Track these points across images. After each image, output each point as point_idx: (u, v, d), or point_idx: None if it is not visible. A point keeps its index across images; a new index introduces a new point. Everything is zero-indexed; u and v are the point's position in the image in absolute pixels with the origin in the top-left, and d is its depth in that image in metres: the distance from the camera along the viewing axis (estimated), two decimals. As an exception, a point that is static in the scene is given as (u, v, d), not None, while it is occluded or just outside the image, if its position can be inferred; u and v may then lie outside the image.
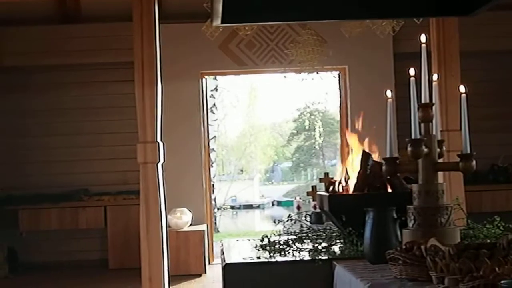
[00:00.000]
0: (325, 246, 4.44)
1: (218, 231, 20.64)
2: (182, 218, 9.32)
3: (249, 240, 5.15)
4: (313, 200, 7.42)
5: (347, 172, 4.79)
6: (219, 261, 5.10)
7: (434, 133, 3.73)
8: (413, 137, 3.60)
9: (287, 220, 5.00)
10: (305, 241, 4.65)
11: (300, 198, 23.21)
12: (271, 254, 4.39)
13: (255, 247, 4.66)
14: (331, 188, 4.82)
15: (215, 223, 20.42)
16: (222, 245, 5.17)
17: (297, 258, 4.26)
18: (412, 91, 3.68)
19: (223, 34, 9.02)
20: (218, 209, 24.78)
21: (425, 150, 3.61)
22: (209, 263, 9.66)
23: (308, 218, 5.60)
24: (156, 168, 6.84)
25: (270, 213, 32.71)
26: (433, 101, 3.76)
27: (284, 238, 4.73)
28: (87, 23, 9.86)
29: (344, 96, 10.03)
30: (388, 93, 3.85)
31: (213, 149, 18.15)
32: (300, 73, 9.61)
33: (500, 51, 9.74)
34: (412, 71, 3.72)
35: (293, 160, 41.25)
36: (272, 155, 41.51)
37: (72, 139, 10.14)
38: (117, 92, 10.00)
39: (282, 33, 9.84)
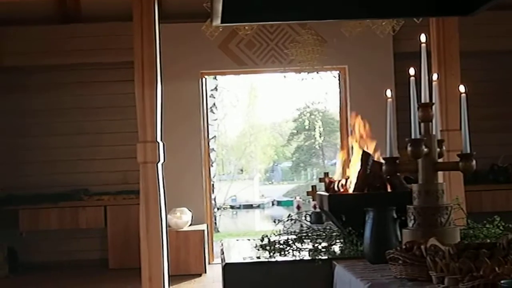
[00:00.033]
0: (325, 246, 4.44)
1: (218, 231, 20.64)
2: (182, 218, 9.32)
3: (249, 240, 5.15)
4: (313, 200, 7.41)
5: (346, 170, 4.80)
6: (219, 261, 5.10)
7: (434, 133, 3.73)
8: (413, 137, 3.60)
9: (287, 220, 5.00)
10: (305, 241, 4.65)
11: (300, 198, 23.24)
12: (271, 254, 4.39)
13: (255, 247, 4.66)
14: (331, 187, 4.82)
15: (215, 223, 20.43)
16: (222, 245, 5.17)
17: (297, 258, 4.26)
18: (412, 91, 3.68)
19: (223, 33, 9.02)
20: (218, 209, 24.79)
21: (425, 150, 3.61)
22: (209, 263, 9.66)
23: (308, 218, 5.60)
24: (156, 168, 6.84)
25: (270, 213, 32.73)
26: (433, 101, 3.76)
27: (284, 238, 4.73)
28: (87, 23, 9.86)
29: (344, 96, 10.03)
30: (388, 92, 3.85)
31: (213, 148, 18.17)
32: (300, 73, 9.59)
33: (500, 51, 9.74)
34: (412, 71, 3.72)
35: (293, 160, 41.27)
36: (272, 155, 41.51)
37: (72, 139, 10.14)
38: (117, 92, 10.00)
39: (282, 32, 9.84)
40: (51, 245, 10.01)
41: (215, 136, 21.50)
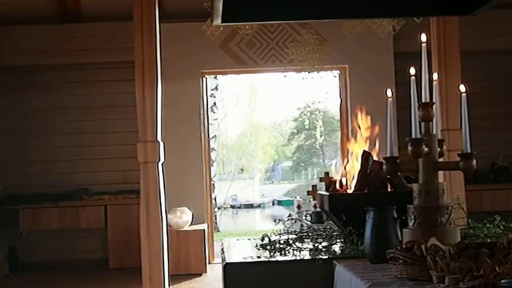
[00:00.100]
0: (325, 246, 4.44)
1: (218, 231, 20.63)
2: (183, 218, 9.32)
3: (249, 239, 5.15)
4: (314, 200, 7.41)
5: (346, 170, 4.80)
6: (220, 260, 5.10)
7: (434, 132, 3.73)
8: (413, 136, 3.60)
9: (288, 220, 5.00)
10: (305, 240, 4.64)
11: (300, 198, 23.24)
12: (272, 253, 4.39)
13: (256, 246, 4.66)
14: (331, 187, 4.82)
15: (216, 223, 20.41)
16: (222, 244, 5.17)
17: (298, 258, 4.26)
18: (412, 90, 3.68)
19: (223, 33, 9.02)
20: (218, 208, 24.79)
21: (426, 149, 3.61)
22: (209, 263, 9.66)
23: (309, 218, 5.59)
24: (156, 168, 6.84)
25: (270, 212, 32.73)
26: (434, 101, 3.76)
27: (284, 237, 4.73)
28: (87, 23, 9.86)
29: (345, 95, 10.03)
30: (389, 92, 3.85)
31: (213, 148, 18.13)
32: (300, 72, 9.60)
33: (500, 51, 9.74)
34: (412, 70, 3.71)
35: (294, 159, 41.27)
36: (272, 154, 41.53)
37: (72, 139, 10.14)
38: (118, 91, 10.00)
39: (283, 32, 9.84)
40: (52, 244, 10.01)
41: (215, 136, 21.46)
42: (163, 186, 6.93)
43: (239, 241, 5.47)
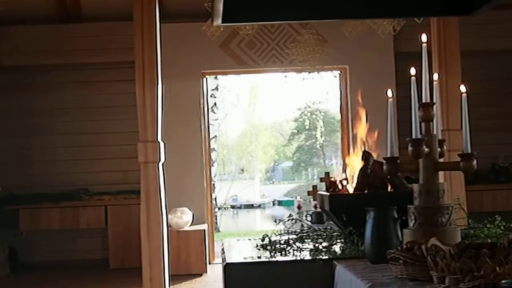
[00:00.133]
0: (325, 246, 4.44)
1: (218, 231, 20.63)
2: (183, 218, 9.32)
3: (249, 239, 5.15)
4: (314, 200, 7.41)
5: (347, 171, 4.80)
6: (220, 260, 5.10)
7: (435, 132, 3.73)
8: (414, 136, 3.60)
9: (288, 220, 5.01)
10: (305, 240, 4.65)
11: (300, 198, 23.22)
12: (272, 253, 4.39)
13: (256, 246, 4.65)
14: (332, 187, 4.82)
15: (216, 223, 20.41)
16: (222, 244, 5.17)
17: (298, 258, 4.26)
18: (413, 91, 3.68)
19: (223, 33, 9.02)
20: (219, 208, 24.79)
21: (426, 149, 3.61)
22: (209, 263, 9.66)
23: (309, 218, 5.60)
24: (156, 168, 6.84)
25: (270, 212, 32.72)
26: (434, 101, 3.76)
27: (284, 237, 4.73)
28: (87, 23, 9.86)
29: (345, 95, 10.03)
30: (389, 92, 3.85)
31: (213, 148, 18.14)
32: (300, 73, 9.60)
33: (500, 51, 9.74)
34: (413, 71, 3.72)
35: (294, 159, 41.25)
36: (272, 155, 41.52)
37: (73, 139, 10.14)
38: (118, 91, 9.99)
39: (283, 32, 9.84)
40: (52, 245, 10.01)
41: (216, 136, 21.48)
42: (164, 186, 6.92)
43: (240, 241, 5.47)
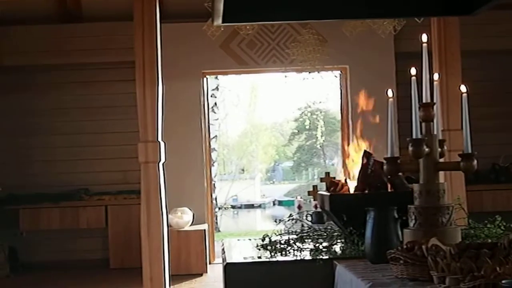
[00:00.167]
0: (326, 246, 4.44)
1: (219, 231, 20.63)
2: (183, 218, 9.32)
3: (250, 239, 5.15)
4: (314, 200, 7.41)
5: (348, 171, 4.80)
6: (220, 260, 5.10)
7: (435, 132, 3.73)
8: (414, 136, 3.60)
9: (288, 220, 5.01)
10: (306, 240, 4.65)
11: (301, 198, 23.21)
12: (272, 253, 4.39)
13: (256, 246, 4.65)
14: (332, 187, 4.82)
15: (216, 223, 20.39)
16: (223, 244, 5.17)
17: (298, 258, 4.26)
18: (413, 91, 3.68)
19: (224, 33, 9.03)
20: (219, 208, 24.76)
21: (426, 149, 3.61)
22: (210, 263, 9.66)
23: (309, 218, 5.60)
24: (157, 168, 6.84)
25: (271, 212, 32.71)
26: (434, 101, 3.76)
27: (285, 237, 4.73)
28: (87, 23, 9.86)
29: (345, 95, 10.03)
30: (389, 92, 3.85)
31: (214, 148, 18.13)
32: (301, 73, 9.60)
33: (500, 51, 9.74)
34: (413, 71, 3.72)
35: (294, 159, 41.24)
36: (273, 155, 41.51)
37: (73, 139, 10.14)
38: (118, 91, 9.99)
39: (283, 32, 9.84)
40: (52, 245, 10.01)
41: (216, 136, 21.48)
42: (164, 186, 6.92)
43: (240, 241, 5.47)
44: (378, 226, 3.78)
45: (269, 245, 4.55)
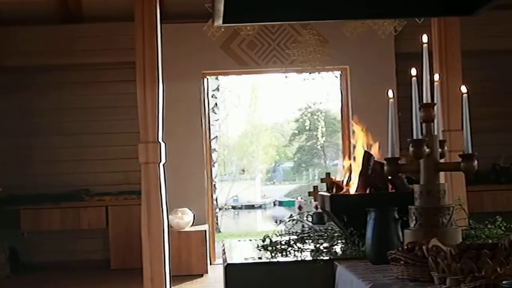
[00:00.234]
0: (326, 247, 4.44)
1: (219, 231, 20.62)
2: (184, 218, 9.32)
3: (250, 240, 5.15)
4: (315, 200, 7.41)
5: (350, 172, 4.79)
6: (221, 261, 5.10)
7: (435, 133, 3.73)
8: (414, 137, 3.60)
9: (289, 220, 5.01)
10: (306, 241, 4.65)
11: (301, 198, 23.20)
12: (273, 254, 4.39)
13: (257, 247, 4.66)
14: (332, 188, 4.82)
15: (217, 223, 20.38)
16: (223, 245, 5.17)
17: (299, 259, 4.27)
18: (413, 91, 3.68)
19: (224, 34, 9.02)
20: (219, 209, 24.75)
21: (427, 150, 3.61)
22: (210, 263, 9.66)
23: (310, 218, 5.61)
24: (157, 168, 6.83)
25: (271, 213, 32.69)
26: (435, 101, 3.76)
27: (285, 238, 4.74)
28: (88, 23, 9.87)
29: (346, 96, 10.03)
30: (390, 93, 3.85)
31: (214, 149, 18.11)
32: (301, 73, 9.60)
33: (500, 51, 9.74)
34: (413, 71, 3.72)
35: (295, 160, 41.21)
36: (273, 155, 41.49)
37: (73, 139, 10.13)
38: (119, 92, 9.99)
39: (284, 33, 9.84)
40: (53, 245, 10.01)
41: (216, 137, 21.45)
42: (164, 186, 6.92)
43: (241, 242, 5.47)
44: (379, 227, 3.79)
45: (270, 246, 4.55)
